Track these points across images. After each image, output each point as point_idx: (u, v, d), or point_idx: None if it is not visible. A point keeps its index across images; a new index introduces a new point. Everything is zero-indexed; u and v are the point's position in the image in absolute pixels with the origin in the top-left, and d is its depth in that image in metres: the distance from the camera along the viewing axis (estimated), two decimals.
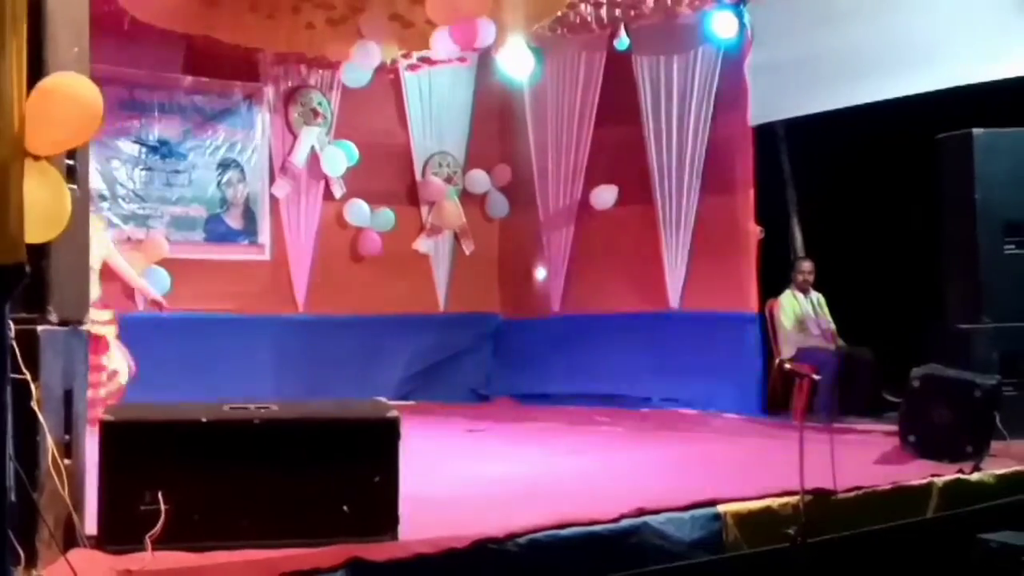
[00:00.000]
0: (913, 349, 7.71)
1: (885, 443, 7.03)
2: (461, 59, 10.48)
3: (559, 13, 9.69)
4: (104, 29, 7.40)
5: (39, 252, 3.93)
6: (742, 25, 9.58)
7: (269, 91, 10.48)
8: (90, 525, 4.16)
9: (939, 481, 5.89)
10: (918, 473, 6.01)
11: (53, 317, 4.02)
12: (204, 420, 4.22)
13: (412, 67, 10.72)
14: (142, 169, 9.78)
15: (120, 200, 9.60)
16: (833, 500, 5.36)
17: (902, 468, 6.26)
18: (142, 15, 8.53)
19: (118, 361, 7.68)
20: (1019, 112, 7.78)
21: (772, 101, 9.34)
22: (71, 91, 3.91)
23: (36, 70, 3.92)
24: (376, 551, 4.05)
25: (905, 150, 8.57)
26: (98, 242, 7.37)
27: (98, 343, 7.32)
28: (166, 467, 4.13)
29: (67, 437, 4.05)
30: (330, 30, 9.30)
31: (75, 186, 4.11)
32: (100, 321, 7.34)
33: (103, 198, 9.43)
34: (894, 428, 7.07)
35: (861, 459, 6.44)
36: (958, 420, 6.54)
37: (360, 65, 9.43)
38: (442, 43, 8.66)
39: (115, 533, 4.06)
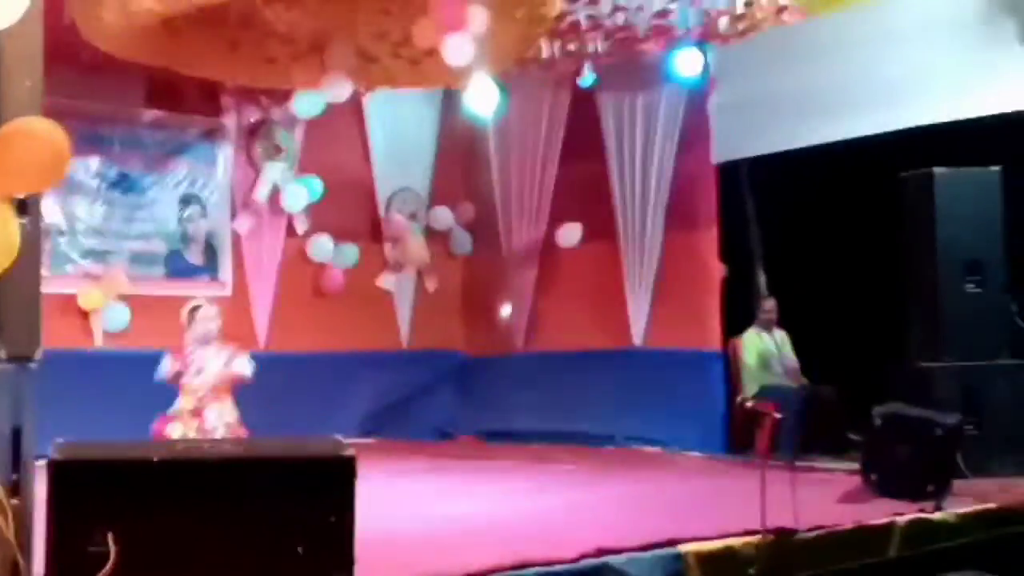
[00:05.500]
0: (876, 387, 7.72)
1: (848, 482, 7.02)
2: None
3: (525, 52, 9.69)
4: (64, 61, 7.34)
5: None
6: (706, 64, 9.61)
7: (231, 126, 10.42)
8: (38, 566, 4.06)
9: (901, 520, 5.88)
10: (880, 512, 6.00)
11: (2, 353, 3.95)
12: (155, 459, 4.13)
13: None
14: (102, 204, 9.70)
15: (79, 235, 9.50)
16: (795, 540, 5.33)
17: (864, 507, 6.25)
18: (104, 45, 8.45)
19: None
20: (980, 152, 7.83)
21: (736, 139, 9.39)
22: (37, 137, 3.85)
23: None
24: None
25: (867, 189, 8.61)
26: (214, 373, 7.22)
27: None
28: (116, 507, 4.03)
29: (14, 476, 3.96)
30: (293, 65, 9.26)
31: (25, 220, 4.04)
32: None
33: (61, 233, 9.34)
34: (857, 467, 7.06)
35: (823, 498, 6.43)
36: (920, 459, 6.53)
37: (332, 97, 9.33)
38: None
39: (63, 575, 3.96)
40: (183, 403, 7.12)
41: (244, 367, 7.25)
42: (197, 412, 7.11)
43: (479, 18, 7.87)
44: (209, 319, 7.30)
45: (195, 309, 7.35)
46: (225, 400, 7.24)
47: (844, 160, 8.54)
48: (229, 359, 7.26)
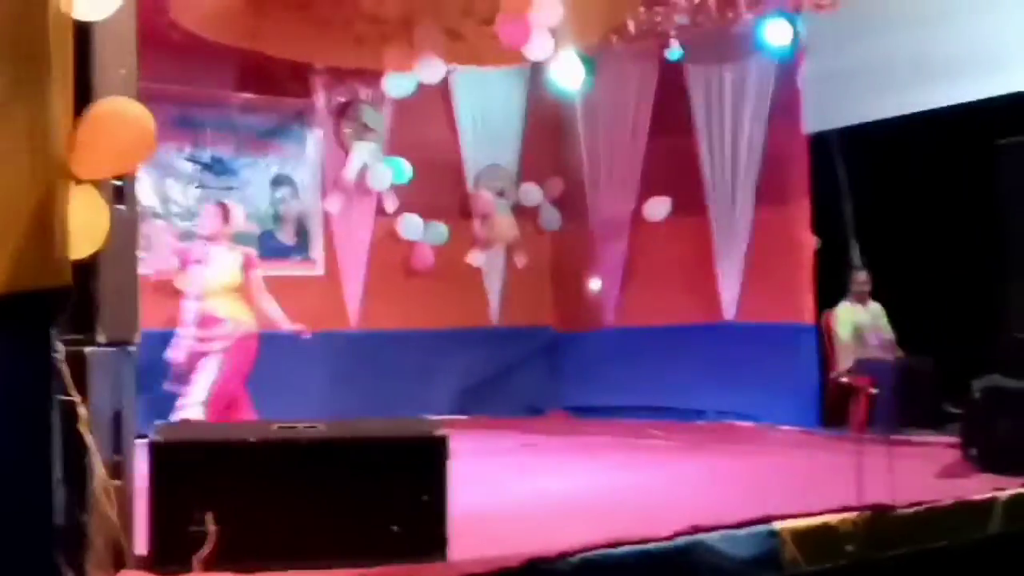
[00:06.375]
0: (974, 360, 7.55)
1: (946, 456, 6.90)
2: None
3: (613, 26, 9.63)
4: (155, 47, 7.44)
5: (88, 273, 3.95)
6: (796, 33, 9.46)
7: (321, 107, 10.51)
8: (140, 546, 4.15)
9: (1003, 495, 5.75)
10: (980, 487, 5.88)
11: (102, 338, 4.03)
12: (252, 440, 4.20)
13: None
14: (196, 186, 9.85)
15: (174, 218, 9.66)
16: (893, 516, 5.25)
17: (964, 482, 6.14)
18: (191, 24, 8.56)
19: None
20: None
21: (827, 109, 9.23)
22: (124, 118, 3.92)
23: (84, 93, 3.94)
24: (425, 572, 4.02)
25: (963, 157, 8.42)
26: (227, 270, 7.54)
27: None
28: (215, 488, 4.12)
29: (116, 458, 4.05)
30: (381, 44, 9.30)
31: (123, 206, 4.12)
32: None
33: (157, 216, 9.50)
34: (956, 441, 6.94)
35: (922, 473, 6.34)
36: (1021, 432, 6.39)
37: (425, 78, 9.36)
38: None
39: (164, 555, 4.05)
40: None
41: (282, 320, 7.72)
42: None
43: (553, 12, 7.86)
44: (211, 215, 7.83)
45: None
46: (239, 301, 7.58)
47: (939, 128, 8.36)
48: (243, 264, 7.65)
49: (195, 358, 7.38)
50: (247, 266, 7.66)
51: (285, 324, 7.79)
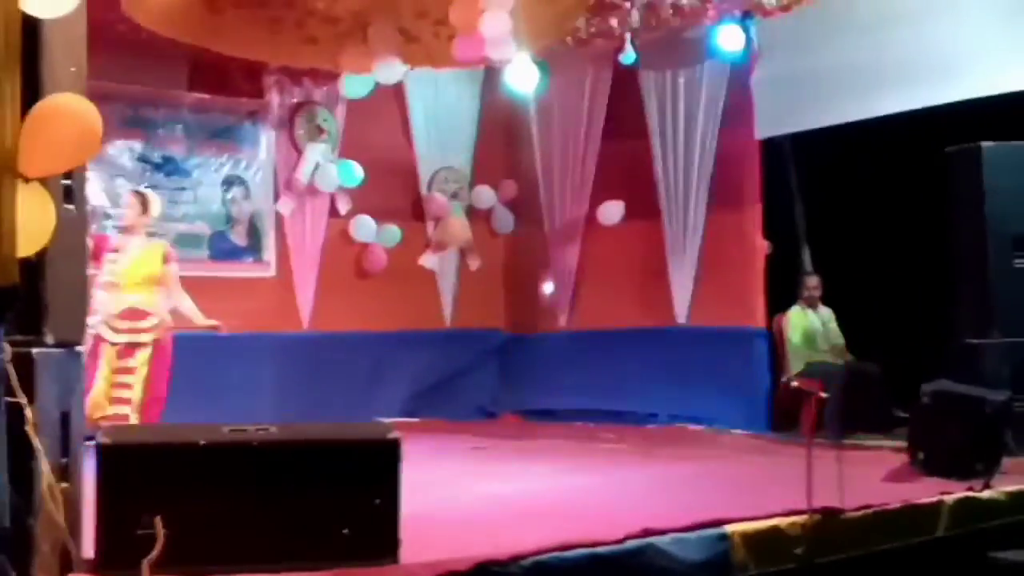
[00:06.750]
0: (923, 364, 7.64)
1: (894, 460, 6.97)
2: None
3: (568, 30, 9.64)
4: (107, 45, 7.36)
5: (35, 273, 3.90)
6: (748, 39, 9.53)
7: (274, 107, 10.45)
8: (87, 549, 4.10)
9: (949, 499, 5.80)
10: (928, 491, 5.93)
11: (50, 339, 3.98)
12: (202, 443, 4.16)
13: None
14: (146, 186, 9.73)
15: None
16: (842, 519, 5.29)
17: (912, 486, 6.20)
18: (144, 20, 8.48)
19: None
20: None
21: (779, 115, 9.31)
22: (69, 114, 3.87)
23: (33, 91, 3.89)
24: (376, 575, 3.99)
25: (914, 164, 8.51)
26: (147, 262, 7.38)
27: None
28: (164, 490, 4.07)
29: (64, 460, 4.00)
30: (336, 45, 9.26)
31: (72, 206, 4.08)
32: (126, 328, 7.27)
33: (107, 215, 9.40)
34: (903, 445, 7.00)
35: (870, 477, 6.37)
36: (968, 437, 6.46)
37: (383, 79, 9.32)
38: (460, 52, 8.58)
39: (112, 558, 4.00)
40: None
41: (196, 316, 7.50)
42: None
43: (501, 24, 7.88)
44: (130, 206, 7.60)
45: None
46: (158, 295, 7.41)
47: (889, 135, 8.45)
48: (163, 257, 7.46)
49: (123, 352, 7.24)
50: (167, 259, 7.54)
51: (200, 321, 7.55)
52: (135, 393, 7.17)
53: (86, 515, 4.17)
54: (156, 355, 7.29)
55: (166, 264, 7.48)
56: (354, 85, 9.75)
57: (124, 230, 7.72)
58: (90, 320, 7.08)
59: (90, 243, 7.55)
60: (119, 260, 7.36)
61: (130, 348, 7.23)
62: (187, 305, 7.54)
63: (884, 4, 8.51)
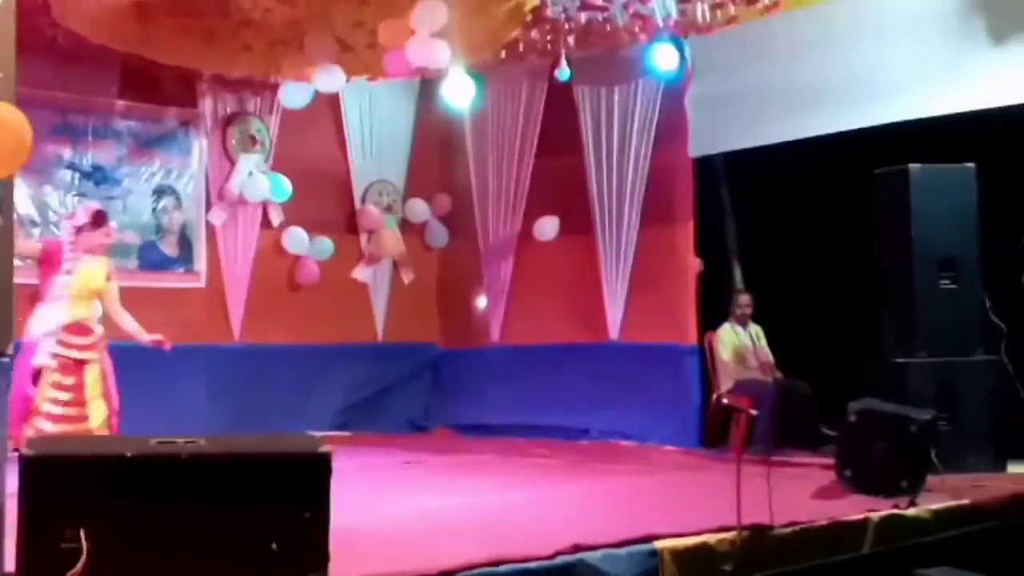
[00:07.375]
0: (850, 382, 7.73)
1: (822, 477, 7.02)
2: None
3: (502, 44, 9.66)
4: (36, 51, 7.27)
5: None
6: (683, 58, 9.62)
7: (206, 117, 10.35)
8: (8, 563, 4.02)
9: (875, 516, 5.87)
10: (854, 508, 6.00)
11: None
12: (128, 455, 4.10)
13: None
14: (75, 195, 9.61)
15: (52, 226, 9.41)
16: (770, 535, 5.32)
17: (839, 503, 6.25)
18: (75, 26, 8.38)
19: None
20: (955, 149, 7.85)
21: (712, 134, 9.40)
22: None
23: None
24: None
25: (843, 185, 8.62)
26: (90, 276, 7.24)
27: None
28: (89, 503, 3.99)
29: None
30: (270, 52, 9.20)
31: None
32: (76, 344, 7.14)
33: (34, 224, 9.26)
34: (831, 462, 7.07)
35: (798, 493, 6.44)
36: (894, 455, 6.54)
37: (323, 87, 9.27)
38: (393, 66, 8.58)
39: (34, 572, 3.92)
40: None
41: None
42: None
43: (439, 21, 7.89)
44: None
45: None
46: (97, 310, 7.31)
47: (820, 156, 8.55)
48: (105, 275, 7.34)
49: (69, 368, 7.11)
50: (110, 277, 7.43)
51: (144, 337, 7.39)
52: (95, 414, 7.07)
53: (8, 528, 4.09)
54: (105, 371, 7.19)
55: (108, 282, 7.38)
56: (293, 93, 9.68)
57: (80, 246, 7.39)
58: (44, 336, 7.03)
59: (37, 247, 7.50)
60: (73, 272, 7.24)
61: (78, 365, 7.11)
62: (130, 324, 7.42)
63: (817, 27, 8.63)
